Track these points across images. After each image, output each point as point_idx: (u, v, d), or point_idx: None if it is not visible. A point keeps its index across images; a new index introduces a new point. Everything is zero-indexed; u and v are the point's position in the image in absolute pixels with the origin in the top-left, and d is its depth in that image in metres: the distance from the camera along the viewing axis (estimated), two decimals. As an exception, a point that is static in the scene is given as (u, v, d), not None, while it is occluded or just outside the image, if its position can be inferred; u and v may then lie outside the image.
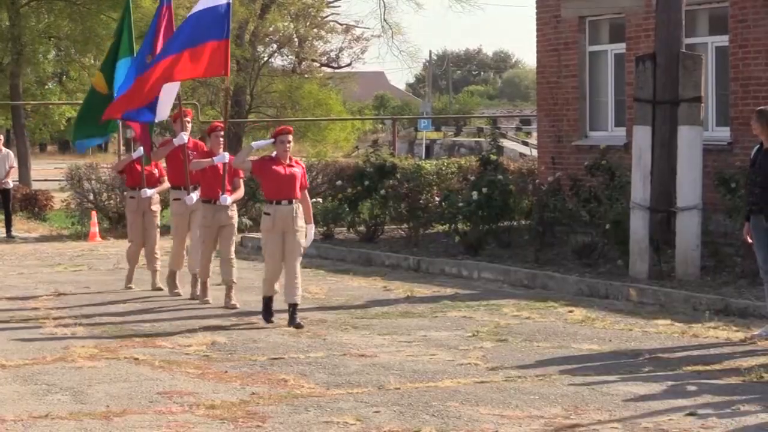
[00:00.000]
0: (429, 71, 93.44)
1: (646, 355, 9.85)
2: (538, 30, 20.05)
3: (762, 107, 11.06)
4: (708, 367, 9.35)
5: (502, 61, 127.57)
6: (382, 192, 17.79)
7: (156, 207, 14.47)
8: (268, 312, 11.70)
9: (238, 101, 48.51)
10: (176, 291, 13.71)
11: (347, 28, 53.43)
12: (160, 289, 14.03)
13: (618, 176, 15.43)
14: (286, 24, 49.63)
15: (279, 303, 12.00)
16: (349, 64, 55.22)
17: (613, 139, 18.36)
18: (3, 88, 35.23)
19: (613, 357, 9.82)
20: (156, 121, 13.73)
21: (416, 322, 11.66)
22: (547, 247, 15.91)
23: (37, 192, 25.34)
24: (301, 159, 13.81)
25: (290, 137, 11.66)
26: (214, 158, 12.61)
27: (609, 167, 15.91)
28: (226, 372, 9.29)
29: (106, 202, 22.24)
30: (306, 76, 50.44)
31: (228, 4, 12.63)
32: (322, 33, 52.15)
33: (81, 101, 40.64)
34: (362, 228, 18.37)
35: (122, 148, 30.15)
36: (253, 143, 11.98)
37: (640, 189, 13.77)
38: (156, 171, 14.36)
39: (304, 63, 51.13)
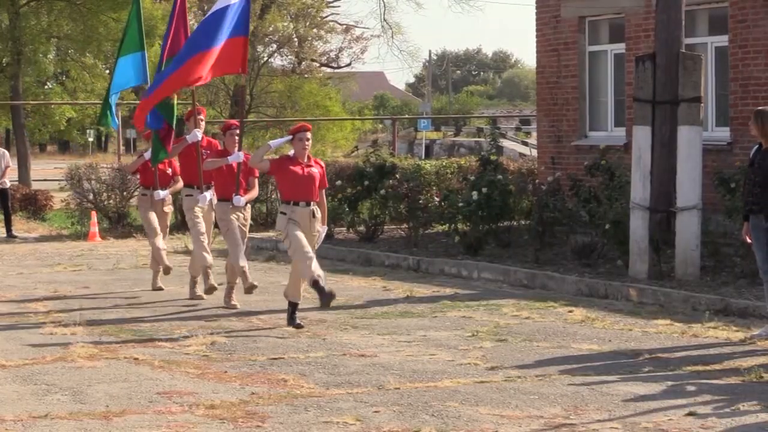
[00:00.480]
0: (429, 71, 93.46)
1: (646, 355, 9.85)
2: (537, 30, 20.06)
3: (760, 108, 11.06)
4: (708, 367, 9.35)
5: (501, 61, 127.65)
6: (382, 192, 17.79)
7: (168, 209, 14.24)
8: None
9: (237, 101, 48.55)
10: (198, 294, 13.30)
11: (347, 28, 53.46)
12: (161, 289, 13.94)
13: (618, 176, 15.43)
14: (285, 24, 49.66)
15: (279, 303, 12.01)
16: (348, 64, 55.24)
17: (613, 139, 18.37)
18: (3, 88, 35.25)
19: (613, 357, 9.82)
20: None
21: (416, 322, 11.66)
22: (546, 247, 15.91)
23: (37, 192, 25.35)
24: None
25: (309, 135, 11.32)
26: (228, 157, 12.33)
27: (609, 167, 15.91)
28: (226, 372, 9.29)
29: (105, 202, 22.25)
30: (306, 76, 50.45)
31: (247, 1, 12.38)
32: (322, 33, 52.16)
33: (81, 101, 40.71)
34: (362, 228, 18.38)
35: (122, 147, 30.16)
36: (271, 141, 11.54)
37: (639, 189, 13.77)
38: (169, 170, 14.10)
39: (303, 63, 51.14)
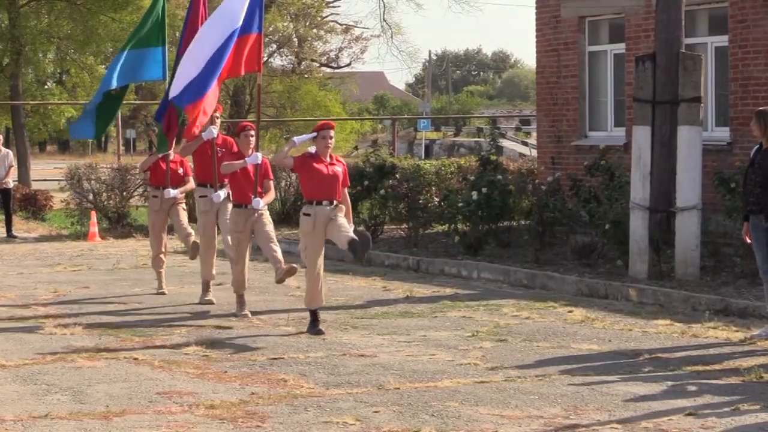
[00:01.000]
0: (428, 71, 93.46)
1: (646, 355, 9.85)
2: (537, 30, 20.06)
3: (761, 108, 11.05)
4: (708, 367, 9.35)
5: (501, 61, 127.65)
6: (382, 192, 17.79)
7: (181, 207, 13.85)
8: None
9: (237, 101, 48.52)
10: (207, 299, 13.04)
11: (347, 28, 53.46)
12: (164, 293, 13.67)
13: (617, 176, 15.44)
14: (285, 24, 49.68)
15: (279, 303, 12.00)
16: (348, 64, 55.24)
17: (613, 139, 18.37)
18: (3, 88, 35.25)
19: (613, 357, 9.82)
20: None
21: (416, 322, 11.66)
22: (546, 247, 15.92)
23: (37, 192, 25.35)
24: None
25: (332, 133, 11.02)
26: (245, 159, 11.87)
27: (608, 167, 15.92)
28: (226, 372, 9.29)
29: (105, 202, 22.25)
30: (306, 76, 50.47)
31: None
32: (322, 33, 52.18)
33: (81, 101, 40.69)
34: (362, 228, 18.38)
35: (122, 148, 30.16)
36: (295, 138, 11.20)
37: (639, 189, 13.77)
38: (181, 169, 13.81)
39: (303, 63, 51.16)
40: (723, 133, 16.92)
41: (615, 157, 16.27)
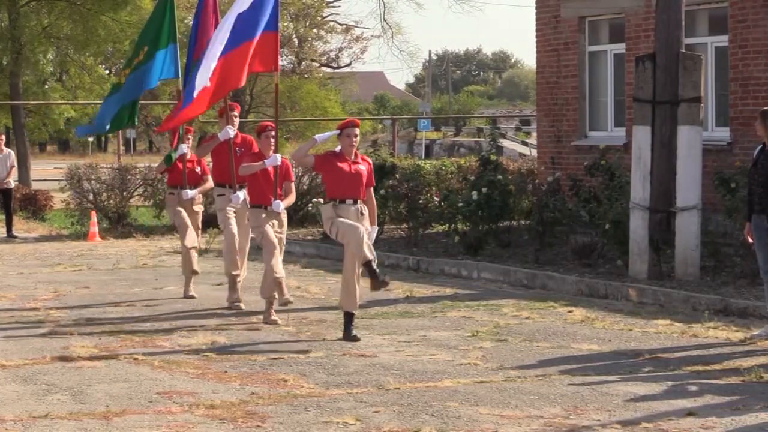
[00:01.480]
0: (429, 71, 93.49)
1: (646, 355, 9.85)
2: (537, 30, 20.06)
3: (766, 108, 11.01)
4: (708, 367, 9.36)
5: (501, 61, 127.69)
6: (382, 192, 17.78)
7: (198, 208, 13.59)
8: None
9: (237, 101, 48.53)
10: (237, 300, 12.58)
11: (347, 29, 53.50)
12: (193, 297, 13.32)
13: (618, 176, 15.44)
14: (285, 24, 49.69)
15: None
16: (348, 64, 55.28)
17: (613, 139, 18.37)
18: (3, 88, 35.26)
19: (613, 357, 9.82)
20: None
21: (416, 322, 11.66)
22: (546, 247, 15.92)
23: (37, 192, 25.36)
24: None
25: (357, 131, 10.70)
26: (265, 161, 11.49)
27: (608, 167, 15.92)
28: (226, 372, 9.29)
29: (105, 202, 22.26)
30: (306, 76, 50.49)
31: None
32: (322, 33, 52.21)
33: (81, 101, 40.65)
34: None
35: (122, 148, 30.16)
36: (317, 136, 10.89)
37: (639, 189, 13.77)
38: (198, 169, 13.50)
39: (303, 63, 51.18)
40: (723, 133, 16.93)
41: (615, 157, 16.27)
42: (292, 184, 11.92)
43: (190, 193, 13.32)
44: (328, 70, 55.64)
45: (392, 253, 16.70)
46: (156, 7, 14.05)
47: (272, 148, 11.67)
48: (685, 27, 14.49)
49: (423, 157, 41.26)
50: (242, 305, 12.44)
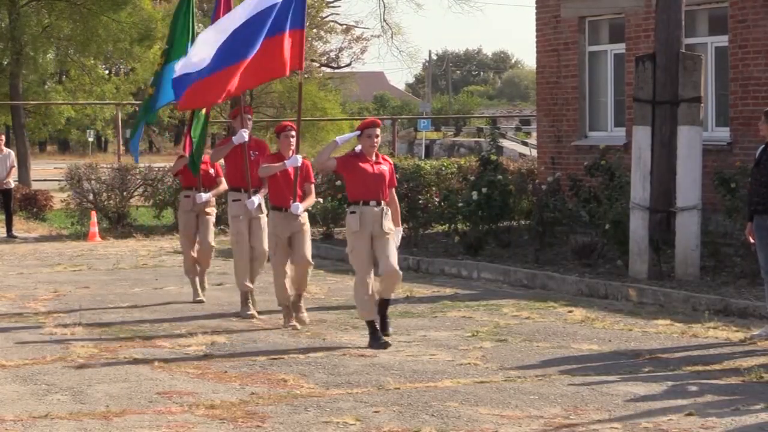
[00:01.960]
0: (429, 71, 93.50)
1: (646, 355, 9.85)
2: (537, 30, 20.06)
3: None
4: (708, 367, 9.35)
5: (501, 62, 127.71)
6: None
7: (212, 210, 13.34)
8: (376, 338, 10.32)
9: (236, 100, 48.52)
10: (249, 312, 12.16)
11: (347, 29, 53.51)
12: (202, 300, 13.08)
13: (618, 176, 15.44)
14: (285, 24, 49.61)
15: (273, 304, 11.97)
16: (348, 65, 55.27)
17: (613, 139, 18.37)
18: (3, 88, 35.27)
19: (613, 357, 9.82)
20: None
21: (416, 322, 11.65)
22: (546, 247, 15.92)
23: (37, 192, 25.35)
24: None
25: (378, 131, 10.46)
26: (285, 162, 11.27)
27: (608, 167, 15.92)
28: (226, 372, 9.29)
29: (105, 202, 22.26)
30: (306, 76, 50.49)
31: None
32: (322, 33, 52.21)
33: (81, 101, 40.59)
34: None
35: (122, 148, 30.16)
36: (338, 138, 10.60)
37: (639, 189, 13.77)
38: (212, 171, 13.25)
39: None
40: (723, 133, 16.92)
41: (615, 157, 16.27)
42: (312, 186, 11.69)
43: (204, 196, 13.04)
44: (328, 70, 55.66)
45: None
46: (178, 13, 13.61)
47: (292, 148, 11.43)
48: (685, 27, 14.49)
49: (423, 157, 41.26)
50: (255, 314, 12.08)
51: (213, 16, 12.80)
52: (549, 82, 19.78)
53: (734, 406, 8.01)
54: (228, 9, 12.47)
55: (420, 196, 17.45)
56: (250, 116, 12.50)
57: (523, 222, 17.45)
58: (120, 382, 8.89)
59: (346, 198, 10.76)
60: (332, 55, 54.65)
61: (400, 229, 10.69)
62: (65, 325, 11.41)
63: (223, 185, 13.12)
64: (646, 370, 9.27)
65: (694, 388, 8.60)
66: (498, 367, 9.44)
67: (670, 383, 8.77)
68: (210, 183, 13.24)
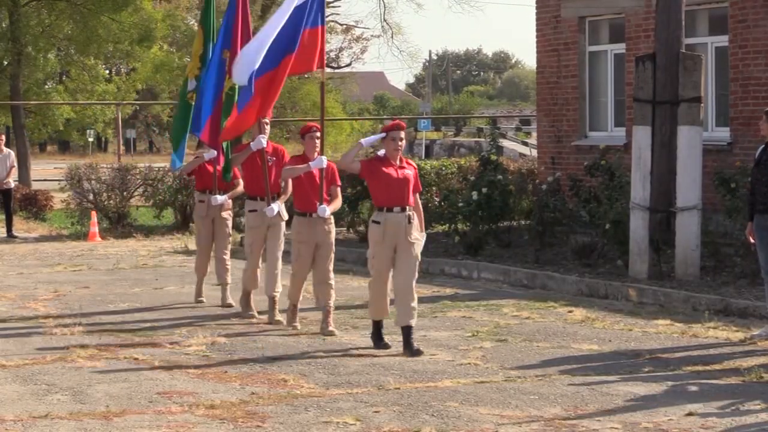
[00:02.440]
0: (429, 71, 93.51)
1: (646, 355, 9.85)
2: (537, 30, 20.06)
3: None
4: (708, 367, 9.35)
5: (501, 62, 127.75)
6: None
7: (227, 214, 12.94)
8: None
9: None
10: (251, 313, 12.04)
11: (347, 29, 53.49)
12: (230, 306, 12.69)
13: (618, 176, 15.44)
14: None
15: (279, 303, 11.97)
16: (348, 64, 55.26)
17: (613, 139, 18.37)
18: (3, 88, 35.28)
19: (613, 357, 9.82)
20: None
21: (416, 322, 11.63)
22: (546, 247, 15.92)
23: (37, 192, 25.36)
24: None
25: (403, 134, 10.15)
26: (310, 163, 10.91)
27: (609, 167, 15.92)
28: (226, 372, 9.29)
29: (105, 202, 22.26)
30: (306, 76, 50.45)
31: None
32: (322, 33, 52.11)
33: (81, 101, 40.53)
34: (362, 228, 18.37)
35: (122, 148, 30.16)
36: (363, 140, 10.34)
37: (639, 189, 13.77)
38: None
39: (303, 63, 51.12)
40: (723, 133, 16.92)
41: (615, 157, 16.27)
42: (339, 189, 11.33)
43: (219, 198, 12.68)
44: (328, 70, 55.59)
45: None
46: (204, 10, 13.24)
47: (317, 150, 11.05)
48: (685, 27, 14.49)
49: (423, 157, 41.28)
50: (283, 320, 11.63)
51: (228, 17, 12.32)
52: (549, 82, 19.78)
53: (734, 406, 8.02)
54: (245, 8, 12.18)
55: (420, 196, 17.41)
56: (268, 121, 11.98)
57: (523, 222, 17.45)
58: (120, 382, 8.89)
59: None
60: (332, 55, 54.62)
61: (424, 234, 10.43)
62: (65, 325, 11.40)
63: (240, 187, 12.74)
64: (646, 370, 9.27)
65: (694, 388, 8.60)
66: (498, 367, 9.44)
67: (670, 383, 8.77)
68: (226, 186, 12.79)
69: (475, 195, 16.15)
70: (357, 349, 10.25)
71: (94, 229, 20.95)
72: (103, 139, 74.87)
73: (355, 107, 73.75)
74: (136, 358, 9.82)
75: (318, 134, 11.16)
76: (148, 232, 21.61)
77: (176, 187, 22.08)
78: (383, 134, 10.20)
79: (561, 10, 19.41)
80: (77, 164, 23.14)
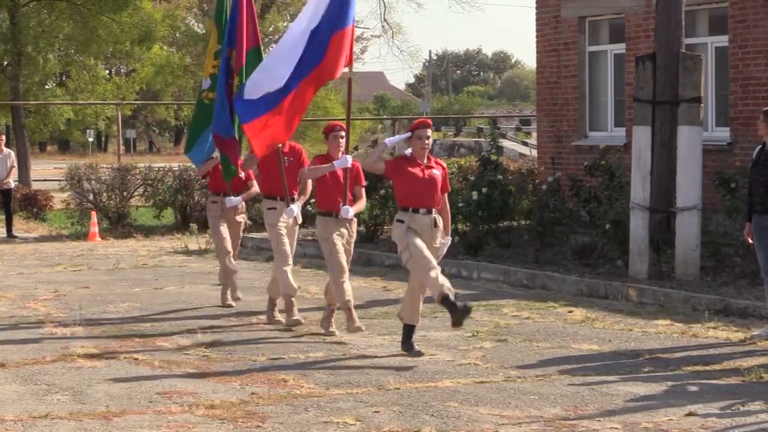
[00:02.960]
0: (429, 71, 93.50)
1: (646, 355, 9.85)
2: (537, 30, 20.06)
3: None
4: (708, 367, 9.36)
5: (501, 62, 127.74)
6: (382, 192, 17.79)
7: (241, 218, 12.73)
8: (411, 344, 9.90)
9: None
10: (276, 319, 11.63)
11: (347, 28, 53.34)
12: (231, 306, 12.56)
13: (618, 176, 15.45)
14: (285, 24, 49.68)
15: (280, 303, 11.96)
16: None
17: (613, 139, 18.38)
18: (3, 88, 35.28)
19: (613, 357, 9.82)
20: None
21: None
22: (546, 247, 15.92)
23: (37, 192, 25.35)
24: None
25: (429, 132, 9.82)
26: (334, 163, 10.64)
27: (608, 167, 15.92)
28: (226, 372, 9.29)
29: (105, 202, 22.26)
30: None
31: None
32: (322, 33, 52.12)
33: (81, 102, 40.53)
34: (362, 228, 18.38)
35: (122, 148, 30.17)
36: (387, 139, 10.05)
37: (639, 189, 13.77)
38: (242, 174, 12.41)
39: (303, 63, 51.15)
40: (723, 133, 16.93)
41: (615, 157, 16.28)
42: (363, 189, 11.00)
43: (233, 200, 12.36)
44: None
45: (392, 253, 16.67)
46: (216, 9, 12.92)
47: (341, 149, 10.79)
48: (685, 27, 14.49)
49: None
50: (302, 320, 11.45)
51: (233, 16, 11.96)
52: (549, 82, 19.78)
53: (734, 406, 8.02)
54: (250, 6, 11.90)
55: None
56: None
57: (523, 222, 17.45)
58: (120, 382, 8.89)
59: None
60: (332, 55, 54.51)
61: (449, 239, 10.06)
62: (65, 325, 11.40)
63: (255, 188, 12.58)
64: (646, 370, 9.27)
65: (694, 388, 8.60)
66: (498, 367, 9.44)
67: (670, 383, 8.77)
68: (239, 187, 12.54)
69: (475, 195, 16.15)
70: (357, 349, 10.25)
71: (94, 229, 20.95)
72: (103, 138, 74.89)
73: (356, 107, 73.71)
74: (136, 358, 9.82)
75: (342, 133, 10.88)
76: (148, 232, 21.61)
77: (176, 187, 22.08)
78: (408, 133, 9.87)
79: (561, 10, 19.41)
80: (77, 164, 23.14)
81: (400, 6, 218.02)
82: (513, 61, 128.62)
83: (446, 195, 9.98)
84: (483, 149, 24.63)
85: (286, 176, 11.34)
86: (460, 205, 16.28)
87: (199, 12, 62.71)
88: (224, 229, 12.61)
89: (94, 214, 21.45)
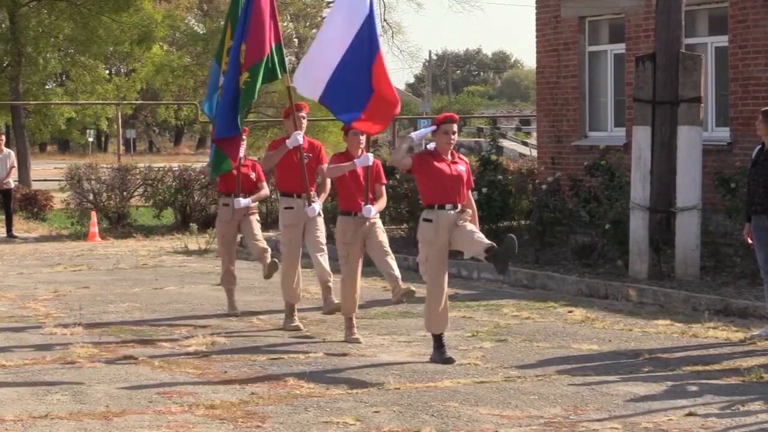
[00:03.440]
0: (429, 71, 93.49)
1: (646, 355, 9.85)
2: (537, 30, 20.06)
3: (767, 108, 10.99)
4: (708, 367, 9.36)
5: (501, 62, 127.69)
6: (382, 192, 17.76)
7: (254, 218, 12.28)
8: (441, 351, 9.60)
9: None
10: (294, 324, 11.32)
11: (347, 28, 53.37)
12: (237, 313, 12.17)
13: (618, 176, 15.44)
14: (285, 24, 49.71)
15: (279, 303, 11.96)
16: (348, 64, 55.09)
17: (613, 139, 18.38)
18: (3, 88, 35.27)
19: (613, 357, 9.83)
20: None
21: (416, 322, 11.64)
22: (546, 247, 15.91)
23: (37, 192, 25.35)
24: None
25: (455, 127, 9.61)
26: (355, 161, 10.40)
27: (608, 167, 15.92)
28: (226, 372, 9.29)
29: (105, 202, 22.26)
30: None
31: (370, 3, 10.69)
32: (323, 33, 52.15)
33: (81, 102, 40.53)
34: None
35: (122, 148, 30.17)
36: (413, 134, 9.86)
37: (639, 189, 13.77)
38: (253, 174, 12.20)
39: (303, 63, 51.15)
40: (723, 134, 16.93)
41: (615, 157, 16.28)
42: (384, 187, 10.78)
43: (243, 201, 11.99)
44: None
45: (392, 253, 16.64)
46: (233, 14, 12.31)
47: (362, 147, 10.54)
48: (685, 27, 14.49)
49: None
50: (301, 326, 11.31)
51: (246, 10, 11.39)
52: (549, 82, 19.78)
53: (734, 406, 8.02)
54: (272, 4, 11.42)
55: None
56: (304, 115, 11.27)
57: (523, 222, 17.45)
58: (120, 382, 8.89)
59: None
60: (332, 55, 54.54)
61: (469, 212, 9.81)
62: (65, 325, 11.40)
63: (265, 190, 12.40)
64: (646, 370, 9.27)
65: (694, 388, 8.60)
66: (498, 367, 9.44)
67: (670, 383, 8.77)
68: (250, 188, 12.22)
69: (475, 195, 16.13)
70: (357, 349, 10.25)
71: (94, 229, 20.95)
72: (103, 138, 74.86)
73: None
74: (136, 358, 9.81)
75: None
76: (148, 232, 21.61)
77: (176, 187, 22.08)
78: (434, 127, 9.63)
79: (561, 10, 19.41)
80: (77, 164, 23.14)
81: (400, 6, 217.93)
82: (513, 61, 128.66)
83: (470, 192, 9.82)
84: (483, 149, 24.63)
85: (307, 173, 11.07)
86: (460, 205, 16.27)
87: (199, 12, 62.74)
88: (230, 239, 12.27)
89: (94, 214, 21.45)
